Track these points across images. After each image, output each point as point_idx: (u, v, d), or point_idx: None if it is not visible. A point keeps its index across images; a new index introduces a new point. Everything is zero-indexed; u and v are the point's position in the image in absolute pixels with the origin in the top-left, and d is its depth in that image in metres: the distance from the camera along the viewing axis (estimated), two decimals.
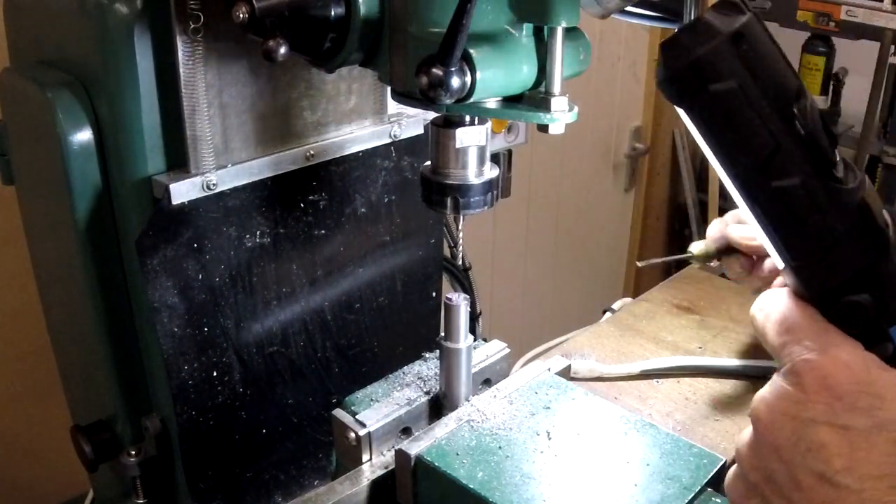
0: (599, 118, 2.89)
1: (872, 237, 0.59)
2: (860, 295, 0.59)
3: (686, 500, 0.80)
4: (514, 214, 2.68)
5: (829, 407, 0.60)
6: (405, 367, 0.98)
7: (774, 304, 0.65)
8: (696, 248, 0.98)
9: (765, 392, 0.64)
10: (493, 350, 1.01)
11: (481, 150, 0.81)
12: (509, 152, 1.30)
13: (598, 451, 0.86)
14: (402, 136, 1.05)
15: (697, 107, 0.58)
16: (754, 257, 0.96)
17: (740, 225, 0.96)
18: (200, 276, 0.94)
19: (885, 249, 0.59)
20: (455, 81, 0.67)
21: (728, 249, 0.96)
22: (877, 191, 0.64)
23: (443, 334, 0.91)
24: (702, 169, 3.08)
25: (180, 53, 0.83)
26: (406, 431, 0.92)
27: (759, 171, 0.58)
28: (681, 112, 0.60)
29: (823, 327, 0.62)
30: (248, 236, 0.96)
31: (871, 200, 0.59)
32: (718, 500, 0.81)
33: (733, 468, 0.67)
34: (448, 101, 0.68)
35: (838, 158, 0.59)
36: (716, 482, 0.83)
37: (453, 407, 0.92)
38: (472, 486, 0.80)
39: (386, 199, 1.07)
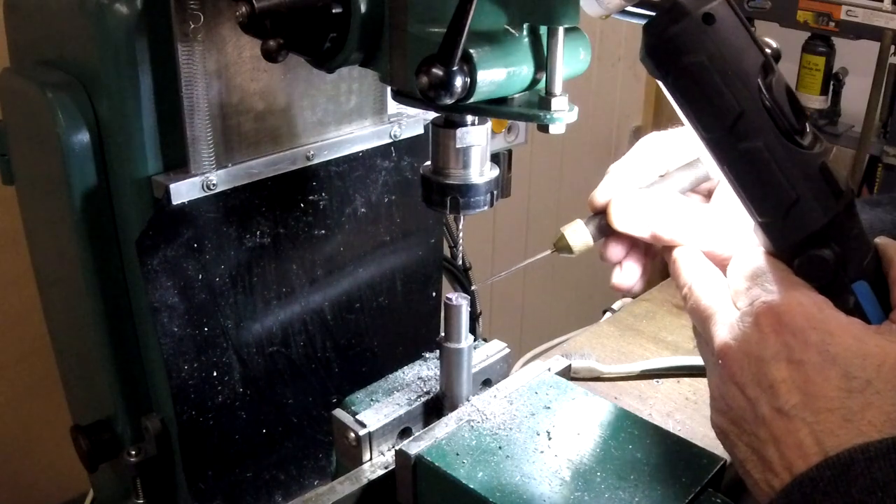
0: (599, 118, 2.89)
1: (833, 197, 0.65)
2: (823, 249, 0.65)
3: (686, 500, 0.80)
4: (514, 214, 2.68)
5: (785, 344, 0.63)
6: (405, 367, 0.98)
7: (746, 259, 0.70)
8: (571, 233, 0.82)
9: (726, 335, 0.67)
10: (493, 350, 1.01)
11: (481, 150, 0.81)
12: (509, 152, 1.30)
13: (598, 451, 0.86)
14: (402, 136, 1.05)
15: (672, 78, 0.65)
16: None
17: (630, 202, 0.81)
18: (200, 276, 0.94)
19: (848, 208, 0.66)
20: (455, 81, 0.67)
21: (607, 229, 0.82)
22: (877, 191, 0.69)
23: (443, 334, 0.91)
24: None
25: (180, 53, 0.83)
26: (406, 431, 0.92)
27: (727, 135, 0.65)
28: (661, 85, 0.67)
29: (785, 275, 0.66)
30: (248, 236, 0.96)
31: (832, 166, 0.65)
32: (719, 501, 0.81)
33: (711, 411, 0.71)
34: (448, 102, 0.68)
35: (808, 129, 0.66)
36: (716, 482, 0.83)
37: (453, 407, 0.92)
38: (472, 486, 0.80)
39: (386, 199, 1.07)
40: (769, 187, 0.65)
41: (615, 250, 0.83)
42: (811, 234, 0.65)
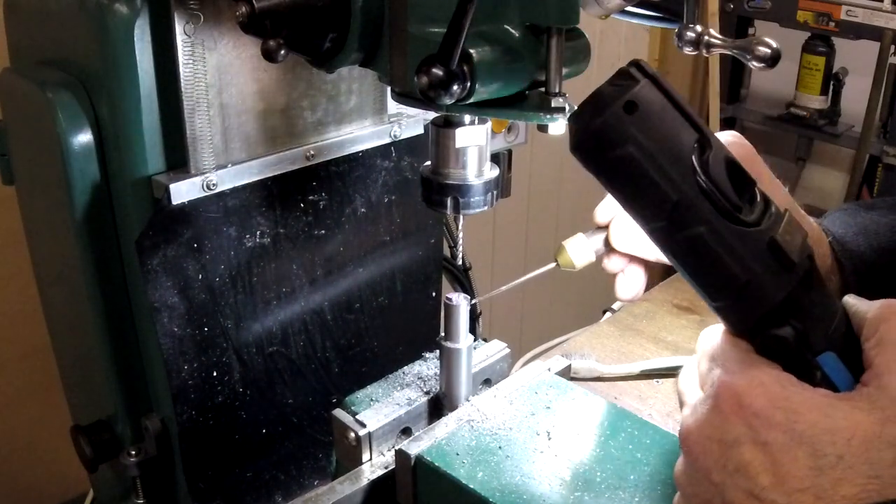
0: None
1: (786, 273, 0.61)
2: (783, 328, 0.62)
3: None
4: (514, 214, 2.68)
5: (749, 426, 0.61)
6: (405, 367, 0.98)
7: (708, 339, 0.68)
8: (573, 249, 0.87)
9: (688, 419, 0.65)
10: (493, 350, 1.01)
11: (481, 150, 0.81)
12: (509, 152, 1.30)
13: (598, 451, 0.86)
14: (402, 136, 1.05)
15: (603, 171, 0.63)
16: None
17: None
18: (200, 276, 0.94)
19: (806, 280, 0.62)
20: (455, 82, 0.67)
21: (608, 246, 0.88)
22: (877, 191, 0.66)
23: (443, 334, 0.91)
24: None
25: (180, 53, 0.83)
26: (406, 431, 0.92)
27: (667, 224, 0.62)
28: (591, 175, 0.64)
29: (744, 355, 0.64)
30: (248, 236, 0.96)
31: (783, 238, 0.61)
32: None
33: (677, 496, 0.68)
34: (448, 102, 0.68)
35: (757, 198, 0.62)
36: None
37: (453, 407, 0.92)
38: (472, 486, 0.80)
39: (386, 199, 1.07)
40: (717, 272, 0.62)
41: (616, 262, 0.85)
42: (767, 313, 0.62)
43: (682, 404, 0.69)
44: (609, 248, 0.85)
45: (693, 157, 0.60)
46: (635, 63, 0.62)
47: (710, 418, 0.63)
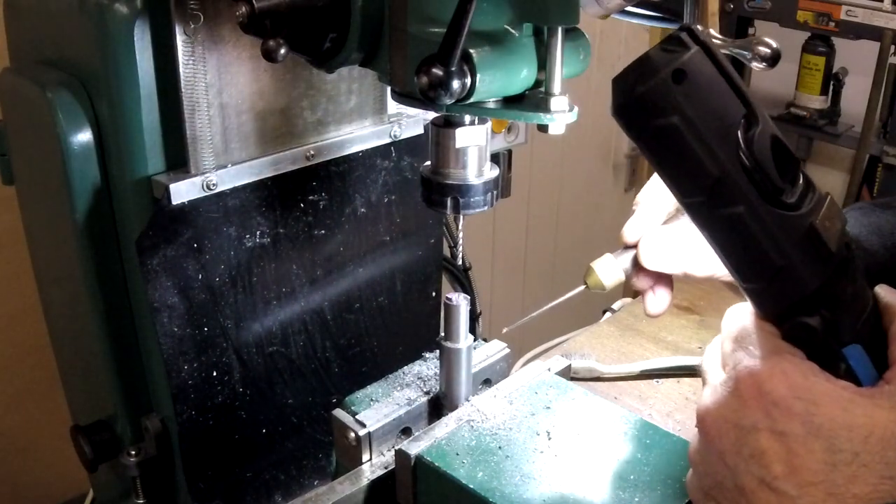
0: (599, 118, 2.88)
1: (821, 262, 0.60)
2: (812, 317, 0.61)
3: (686, 500, 0.80)
4: (514, 214, 2.68)
5: (767, 413, 0.60)
6: (405, 367, 0.98)
7: (734, 319, 0.67)
8: (602, 270, 0.85)
9: (707, 399, 0.65)
10: (493, 350, 1.01)
11: (481, 150, 0.81)
12: (509, 152, 1.30)
13: (598, 451, 0.86)
14: (402, 136, 1.05)
15: (644, 139, 0.61)
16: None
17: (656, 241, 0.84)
18: (200, 276, 0.94)
19: (842, 269, 0.61)
20: (455, 81, 0.67)
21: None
22: (877, 191, 0.65)
23: (443, 334, 0.91)
24: None
25: (180, 53, 0.83)
26: (406, 431, 0.92)
27: (705, 200, 0.60)
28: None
29: (770, 339, 0.64)
30: (248, 236, 0.96)
31: (822, 225, 0.60)
32: None
33: (690, 472, 0.68)
34: (448, 102, 0.68)
35: (799, 180, 0.60)
36: None
37: (453, 407, 0.92)
38: (472, 486, 0.80)
39: (386, 199, 1.07)
40: (752, 254, 0.61)
41: (645, 281, 0.86)
42: (798, 300, 0.61)
43: (704, 383, 0.69)
44: (638, 267, 0.85)
45: (738, 133, 0.58)
46: (687, 29, 0.59)
47: (729, 401, 0.63)
